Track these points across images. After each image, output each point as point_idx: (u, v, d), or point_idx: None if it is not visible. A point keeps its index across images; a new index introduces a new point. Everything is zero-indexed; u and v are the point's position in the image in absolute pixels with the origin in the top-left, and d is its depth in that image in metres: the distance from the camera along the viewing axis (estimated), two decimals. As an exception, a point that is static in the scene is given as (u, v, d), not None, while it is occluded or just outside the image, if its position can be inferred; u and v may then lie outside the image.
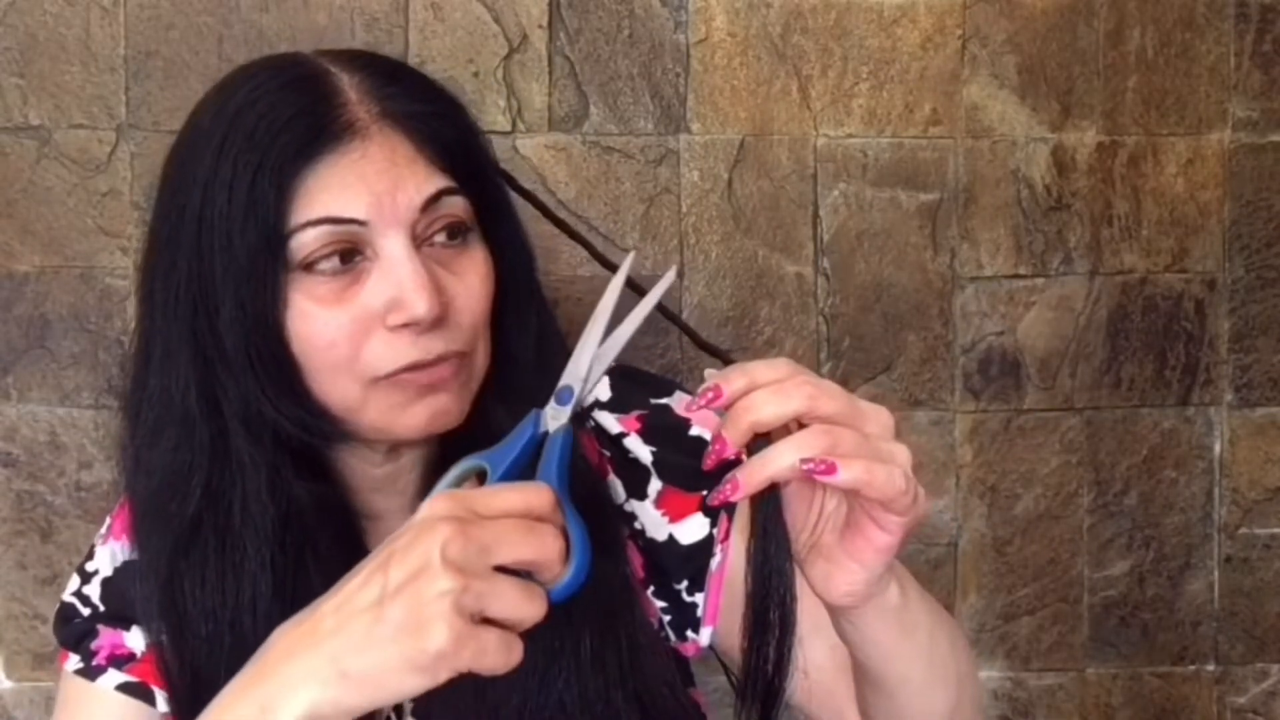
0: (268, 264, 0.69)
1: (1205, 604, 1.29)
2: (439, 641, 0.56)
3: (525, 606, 0.59)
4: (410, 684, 0.57)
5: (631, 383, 0.85)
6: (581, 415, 0.67)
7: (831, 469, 0.57)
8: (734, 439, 0.59)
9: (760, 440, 0.59)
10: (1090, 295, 1.25)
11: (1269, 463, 1.29)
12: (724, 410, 0.60)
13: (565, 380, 0.67)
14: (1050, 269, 1.25)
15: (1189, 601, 1.29)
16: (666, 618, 0.82)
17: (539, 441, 0.66)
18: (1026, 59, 1.23)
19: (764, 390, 0.59)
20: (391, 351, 0.70)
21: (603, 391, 0.84)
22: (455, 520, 0.58)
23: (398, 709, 0.80)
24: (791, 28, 1.21)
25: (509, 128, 1.19)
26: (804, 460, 0.58)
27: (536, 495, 0.61)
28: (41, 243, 1.18)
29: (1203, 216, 1.26)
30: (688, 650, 0.84)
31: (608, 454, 0.83)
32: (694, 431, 0.83)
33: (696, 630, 0.82)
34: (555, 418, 0.66)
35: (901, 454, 0.60)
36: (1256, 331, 1.27)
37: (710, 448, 0.60)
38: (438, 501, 0.59)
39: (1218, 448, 1.28)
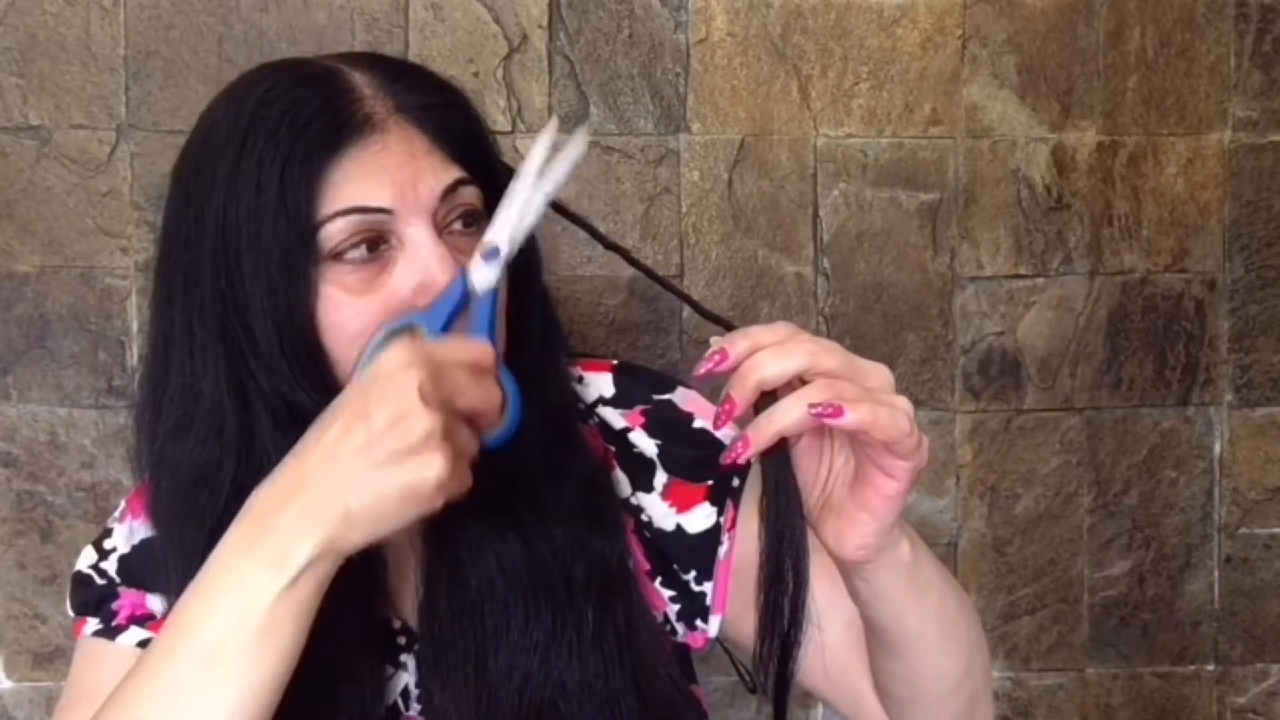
0: (298, 256, 0.71)
1: (1205, 604, 1.29)
2: (437, 470, 0.61)
3: (475, 444, 0.66)
4: (409, 513, 0.63)
5: (633, 379, 0.87)
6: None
7: (839, 411, 0.61)
8: (742, 398, 0.62)
9: (767, 398, 0.62)
10: (1090, 295, 1.25)
11: (1269, 463, 1.29)
12: (729, 375, 0.63)
13: (489, 238, 0.71)
14: (1050, 269, 1.25)
15: (1189, 601, 1.29)
16: (675, 607, 0.84)
17: (467, 301, 0.70)
18: (1026, 59, 1.23)
19: (767, 350, 0.62)
20: None
21: (606, 388, 0.86)
22: (422, 365, 0.62)
23: (404, 693, 0.81)
24: (791, 28, 1.21)
25: (509, 128, 1.20)
26: (811, 405, 0.61)
27: (482, 351, 0.67)
28: (41, 243, 1.18)
29: (1203, 216, 1.26)
30: (696, 641, 0.85)
31: (612, 449, 0.84)
32: (697, 424, 0.85)
33: (706, 619, 0.84)
34: (482, 277, 0.70)
35: (902, 402, 0.63)
36: (1256, 331, 1.27)
37: (720, 409, 0.63)
38: (399, 350, 0.63)
39: (1218, 448, 1.28)
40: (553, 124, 0.73)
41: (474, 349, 0.67)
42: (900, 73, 1.22)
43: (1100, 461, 1.27)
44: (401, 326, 0.70)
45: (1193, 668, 1.30)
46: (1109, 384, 1.26)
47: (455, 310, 0.70)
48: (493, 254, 0.70)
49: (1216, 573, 1.29)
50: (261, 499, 0.64)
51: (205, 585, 0.64)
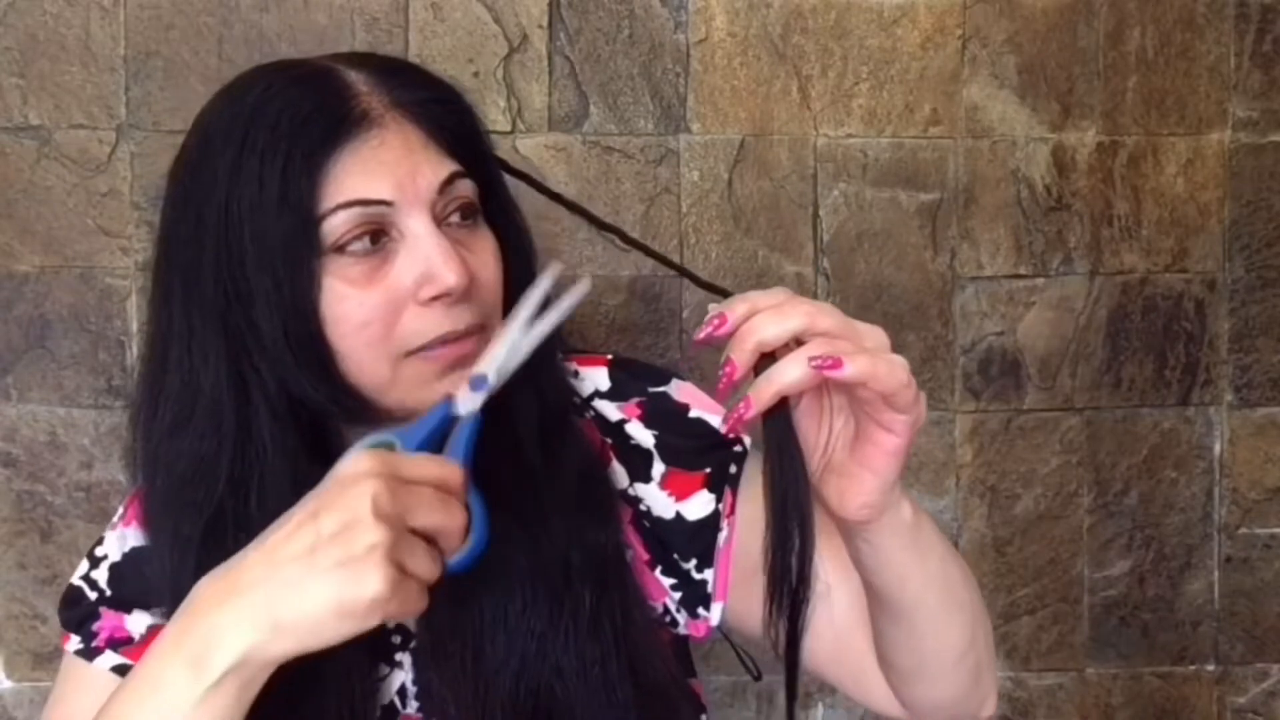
0: (302, 249, 0.71)
1: (1205, 604, 1.29)
2: (375, 588, 0.59)
3: (432, 567, 0.63)
4: (342, 630, 0.60)
5: (628, 373, 0.87)
6: (491, 405, 0.71)
7: (838, 364, 0.61)
8: (741, 360, 0.63)
9: (766, 361, 0.63)
10: (1090, 295, 1.25)
11: (1269, 463, 1.29)
12: (729, 339, 0.63)
13: (480, 369, 0.71)
14: (1050, 269, 1.25)
15: (1189, 601, 1.29)
16: (677, 595, 0.84)
17: (448, 425, 0.70)
18: (1026, 59, 1.23)
19: (765, 313, 0.63)
20: (425, 324, 0.73)
21: (601, 382, 0.87)
22: (382, 477, 0.61)
23: (400, 692, 0.81)
24: (791, 28, 1.21)
25: (509, 128, 1.20)
26: (811, 359, 0.61)
27: (450, 470, 0.65)
28: (41, 243, 1.18)
29: (1203, 216, 1.26)
30: (699, 630, 0.86)
31: (609, 441, 0.85)
32: (693, 414, 0.85)
33: (707, 607, 0.84)
34: (466, 404, 0.70)
35: (899, 359, 0.63)
36: (1256, 331, 1.27)
37: (721, 371, 0.63)
38: (362, 459, 0.62)
39: (1218, 448, 1.28)
40: (554, 268, 0.73)
41: (442, 468, 0.65)
42: (900, 73, 1.22)
43: (1100, 461, 1.27)
44: (379, 442, 0.69)
45: (1193, 668, 1.30)
46: (1109, 384, 1.26)
47: (434, 432, 0.69)
48: (480, 383, 0.71)
49: (1216, 573, 1.29)
50: (203, 591, 0.63)
51: (136, 676, 0.63)
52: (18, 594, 1.20)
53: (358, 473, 0.62)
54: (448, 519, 0.64)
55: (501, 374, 0.71)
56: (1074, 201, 1.24)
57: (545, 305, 0.73)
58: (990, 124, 1.23)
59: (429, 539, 0.63)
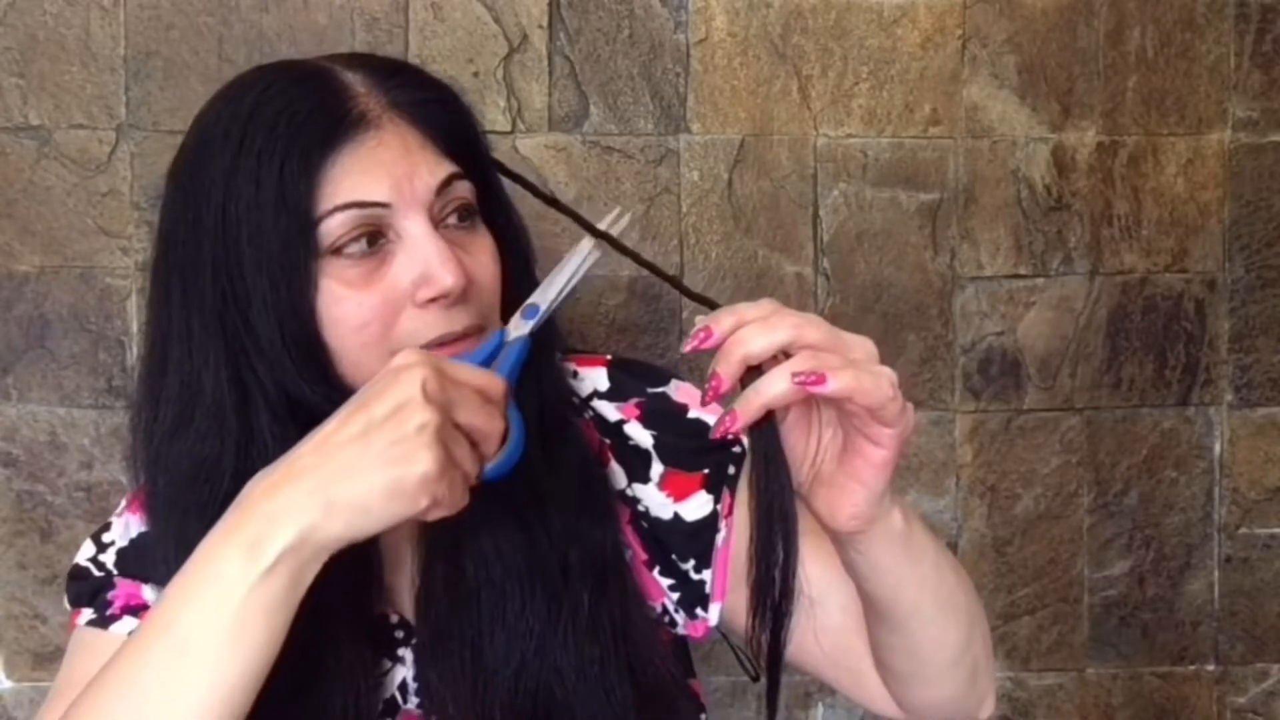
0: (299, 251, 0.71)
1: (1205, 604, 1.29)
2: (425, 466, 0.62)
3: (474, 465, 0.66)
4: (393, 510, 0.62)
5: (627, 373, 0.88)
6: (540, 335, 0.76)
7: (822, 379, 0.61)
8: (727, 373, 0.63)
9: (753, 373, 0.63)
10: (1090, 295, 1.25)
11: (1269, 463, 1.29)
12: (715, 351, 0.64)
13: (533, 299, 0.75)
14: (1050, 269, 1.25)
15: (1189, 601, 1.29)
16: (675, 595, 0.84)
17: (499, 353, 0.73)
18: (1026, 59, 1.23)
19: (752, 325, 0.63)
20: (422, 325, 0.73)
21: (600, 382, 0.87)
22: (430, 367, 0.64)
23: (401, 686, 0.81)
24: (791, 28, 1.21)
25: (509, 128, 1.20)
26: (795, 374, 0.61)
27: (493, 380, 0.68)
28: (41, 243, 1.18)
29: (1203, 216, 1.26)
30: (697, 630, 0.86)
31: (608, 441, 0.85)
32: (692, 415, 0.86)
33: (705, 607, 0.84)
34: (517, 329, 0.74)
35: (885, 370, 0.64)
36: (1256, 331, 1.27)
37: (707, 384, 0.64)
38: (409, 352, 0.65)
39: (1218, 448, 1.28)
40: (614, 215, 0.78)
41: (485, 376, 0.68)
42: (900, 73, 1.22)
43: (1100, 461, 1.27)
44: None
45: (1193, 668, 1.30)
46: (1109, 384, 1.26)
47: (487, 359, 0.72)
48: (531, 312, 0.74)
49: (1216, 573, 1.29)
50: (256, 486, 0.64)
51: (186, 573, 0.64)
52: (18, 594, 1.20)
53: (406, 364, 0.64)
54: (489, 422, 0.66)
55: (552, 304, 0.75)
56: (1074, 201, 1.24)
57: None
58: (990, 124, 1.23)
59: (469, 441, 0.65)
